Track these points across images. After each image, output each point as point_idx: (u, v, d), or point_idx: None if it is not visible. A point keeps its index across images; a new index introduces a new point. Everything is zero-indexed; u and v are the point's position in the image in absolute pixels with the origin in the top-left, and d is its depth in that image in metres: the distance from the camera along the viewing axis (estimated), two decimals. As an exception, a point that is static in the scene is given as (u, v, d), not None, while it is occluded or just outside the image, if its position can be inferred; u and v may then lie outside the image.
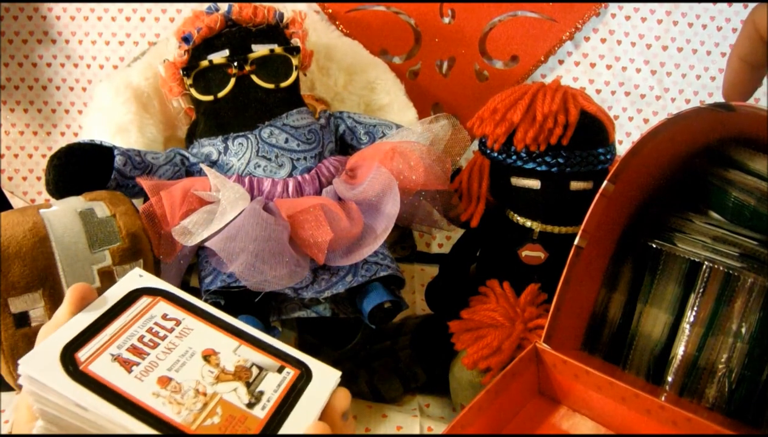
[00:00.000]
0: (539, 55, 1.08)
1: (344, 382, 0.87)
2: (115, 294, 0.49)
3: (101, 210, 0.70)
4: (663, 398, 0.66)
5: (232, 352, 0.48)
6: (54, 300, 0.64)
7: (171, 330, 0.48)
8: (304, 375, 0.48)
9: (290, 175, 0.81)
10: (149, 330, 0.47)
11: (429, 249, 1.13)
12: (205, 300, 0.74)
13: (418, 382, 0.88)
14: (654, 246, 0.71)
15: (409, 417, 0.83)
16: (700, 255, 0.68)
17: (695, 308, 0.69)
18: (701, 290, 0.68)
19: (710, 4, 1.06)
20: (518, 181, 0.80)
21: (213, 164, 0.81)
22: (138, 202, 0.75)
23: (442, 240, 1.13)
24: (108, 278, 0.67)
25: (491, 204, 0.84)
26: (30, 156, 1.13)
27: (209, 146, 0.82)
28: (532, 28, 1.07)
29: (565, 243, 0.71)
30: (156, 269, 0.73)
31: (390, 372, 0.88)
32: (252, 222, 0.72)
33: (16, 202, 1.11)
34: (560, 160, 0.77)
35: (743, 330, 0.66)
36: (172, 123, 0.94)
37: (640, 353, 0.72)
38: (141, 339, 0.46)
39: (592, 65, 1.10)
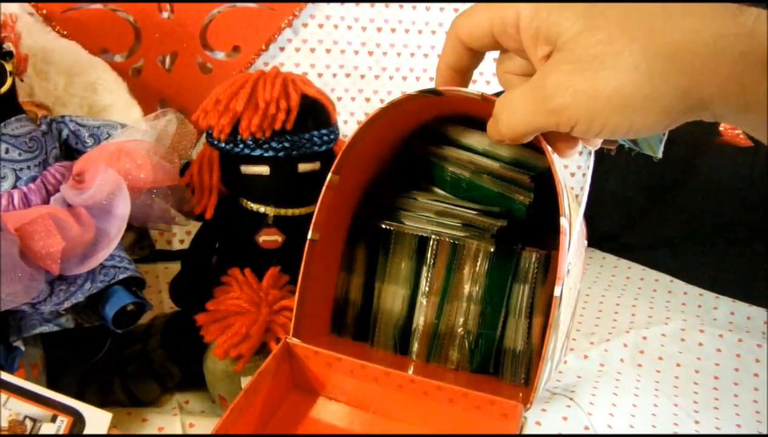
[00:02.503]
0: (260, 43, 1.10)
1: (99, 392, 0.85)
2: None
3: None
4: (411, 368, 0.71)
5: (2, 407, 0.46)
6: None
7: None
8: (78, 422, 0.47)
9: (14, 187, 0.76)
10: None
11: (171, 246, 1.12)
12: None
13: (174, 380, 0.88)
14: (384, 227, 0.75)
15: (169, 416, 0.83)
16: (426, 230, 0.73)
17: (428, 279, 0.74)
18: (432, 262, 0.74)
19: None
20: (248, 169, 0.82)
21: (-74, 184, 0.75)
22: None
23: (183, 236, 1.12)
24: None
25: (224, 194, 0.85)
26: None
27: None
28: (252, 18, 1.09)
29: (300, 224, 0.74)
30: None
31: (144, 374, 0.86)
32: (-24, 241, 0.68)
33: None
34: (286, 145, 0.80)
35: (474, 293, 0.72)
36: None
37: (385, 328, 0.76)
38: None
39: (312, 50, 1.13)
